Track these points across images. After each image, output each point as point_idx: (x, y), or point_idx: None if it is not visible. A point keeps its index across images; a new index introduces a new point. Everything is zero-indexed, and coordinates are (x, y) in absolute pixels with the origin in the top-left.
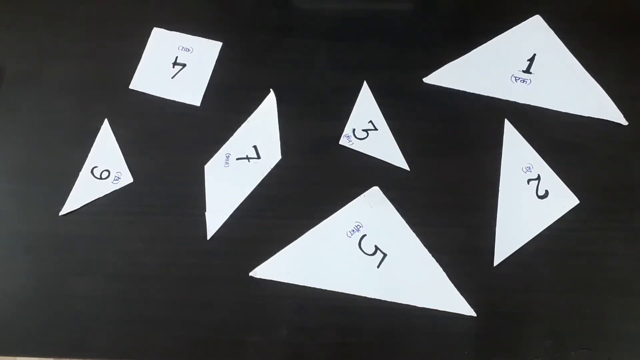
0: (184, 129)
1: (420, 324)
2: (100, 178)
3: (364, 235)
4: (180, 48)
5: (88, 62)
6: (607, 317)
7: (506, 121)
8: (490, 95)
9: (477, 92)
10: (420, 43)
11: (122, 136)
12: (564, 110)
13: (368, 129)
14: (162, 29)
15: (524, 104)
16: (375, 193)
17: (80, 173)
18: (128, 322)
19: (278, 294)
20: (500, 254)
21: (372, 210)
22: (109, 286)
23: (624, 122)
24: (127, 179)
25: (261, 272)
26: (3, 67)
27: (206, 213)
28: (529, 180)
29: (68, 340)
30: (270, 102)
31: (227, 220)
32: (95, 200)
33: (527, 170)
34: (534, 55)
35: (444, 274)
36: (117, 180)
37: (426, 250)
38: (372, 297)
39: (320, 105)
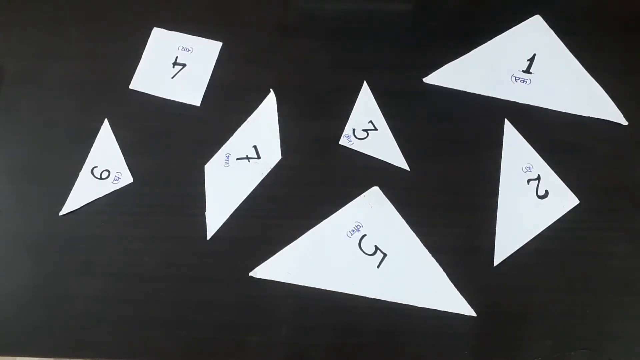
0: (184, 129)
1: (420, 324)
2: (100, 178)
3: (364, 235)
4: (180, 48)
5: (88, 62)
6: (607, 317)
7: (506, 121)
8: (490, 95)
9: (477, 92)
10: (420, 43)
11: (122, 136)
12: (564, 110)
13: (368, 129)
14: (162, 29)
15: (524, 104)
16: (375, 193)
17: (80, 173)
18: (128, 322)
19: (278, 294)
20: (500, 254)
21: (372, 210)
22: (109, 286)
23: (624, 122)
24: (127, 179)
25: (261, 272)
26: (3, 67)
27: (206, 213)
28: (529, 180)
29: (68, 340)
30: (270, 102)
31: (227, 220)
32: (95, 200)
33: (527, 170)
34: (534, 55)
35: (444, 274)
36: (117, 180)
37: (426, 250)
38: (372, 297)
39: (320, 105)
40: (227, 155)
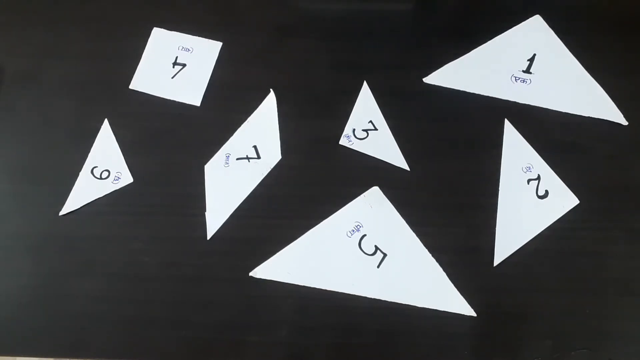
0: (184, 129)
1: (420, 324)
2: (100, 178)
3: (364, 235)
4: (180, 48)
5: (88, 62)
6: (607, 317)
7: (506, 121)
8: (490, 95)
9: (477, 92)
10: (420, 43)
11: (122, 136)
12: (564, 110)
13: (368, 129)
14: (162, 29)
15: (524, 104)
16: (375, 193)
17: (80, 173)
18: (128, 322)
19: (278, 294)
20: (500, 254)
21: (372, 210)
22: (109, 286)
23: (624, 122)
24: (127, 179)
25: (261, 272)
26: (3, 67)
27: (206, 213)
28: (529, 180)
29: (68, 340)
30: (270, 102)
31: (227, 220)
32: (95, 200)
33: (527, 170)
34: (534, 55)
35: (444, 274)
36: (117, 180)
37: (426, 250)
38: (372, 297)
39: (320, 105)
40: (227, 155)
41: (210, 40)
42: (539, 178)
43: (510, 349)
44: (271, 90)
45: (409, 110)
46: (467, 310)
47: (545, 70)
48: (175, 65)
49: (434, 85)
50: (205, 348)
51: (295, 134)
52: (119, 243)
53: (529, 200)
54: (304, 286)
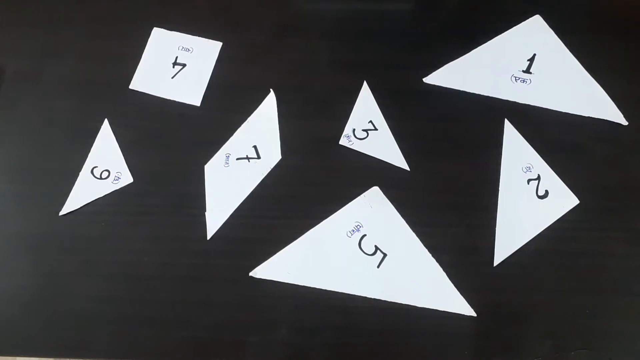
0: (184, 129)
1: (420, 324)
2: (100, 178)
3: (364, 235)
4: (180, 48)
5: (88, 62)
6: (607, 317)
7: (506, 121)
8: (490, 95)
9: (477, 92)
10: (420, 43)
11: (122, 136)
12: (564, 110)
13: (368, 129)
14: (162, 29)
15: (524, 104)
16: (375, 193)
17: (80, 173)
18: (128, 322)
19: (278, 294)
20: (500, 254)
21: (372, 210)
22: (109, 286)
23: (624, 122)
24: (127, 179)
25: (261, 272)
26: (3, 67)
27: (206, 213)
28: (529, 180)
29: (68, 340)
30: (270, 102)
31: (227, 220)
32: (95, 200)
33: (527, 170)
34: (534, 55)
35: (444, 274)
36: (117, 180)
37: (426, 250)
38: (372, 297)
39: (320, 105)
40: (227, 155)
41: (210, 40)
42: (539, 178)
43: (510, 349)
44: (271, 90)
45: (409, 110)
46: (467, 310)
47: (545, 70)
48: (175, 65)
49: (434, 85)
50: (205, 348)
51: (295, 134)
52: (119, 243)
53: (529, 200)
54: (303, 286)
